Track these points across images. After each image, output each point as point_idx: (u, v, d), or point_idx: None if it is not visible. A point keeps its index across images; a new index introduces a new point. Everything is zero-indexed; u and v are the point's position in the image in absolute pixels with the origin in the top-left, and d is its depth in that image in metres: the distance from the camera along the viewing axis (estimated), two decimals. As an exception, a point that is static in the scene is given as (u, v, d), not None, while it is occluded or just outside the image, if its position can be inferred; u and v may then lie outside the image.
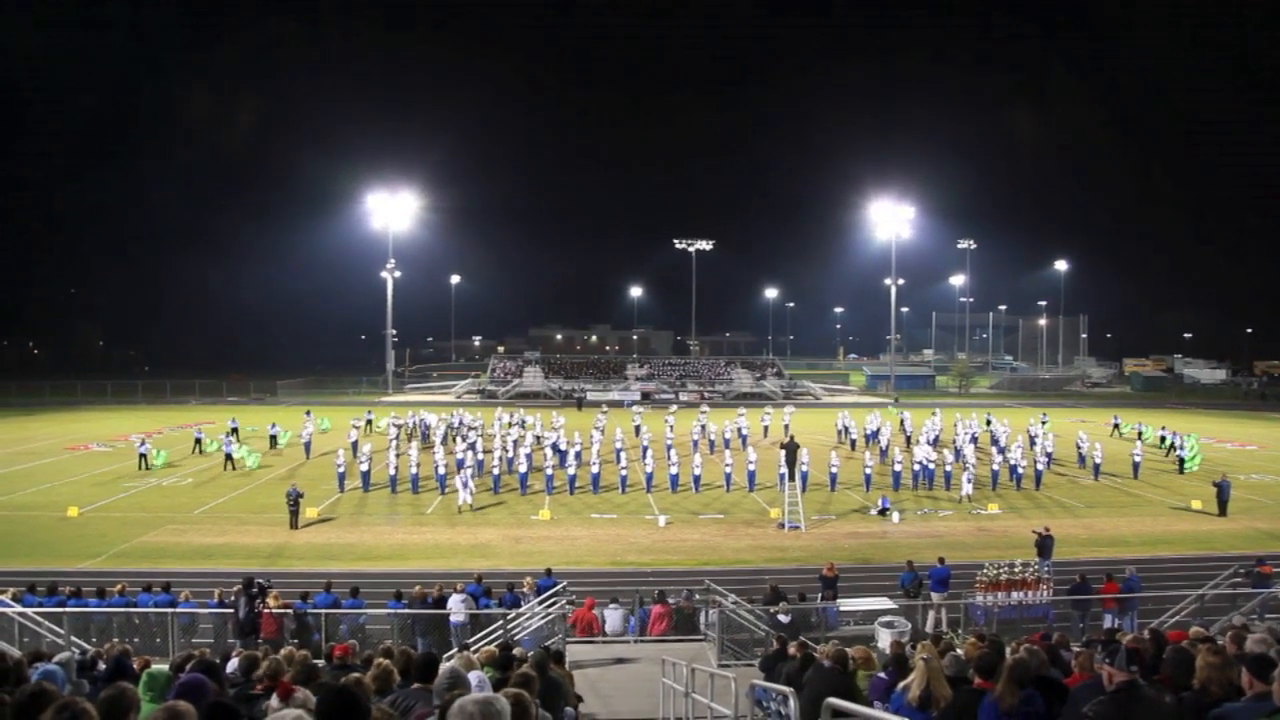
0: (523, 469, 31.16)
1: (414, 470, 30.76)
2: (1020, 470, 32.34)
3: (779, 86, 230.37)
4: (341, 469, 30.68)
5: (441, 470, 31.25)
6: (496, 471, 30.90)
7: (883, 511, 27.16)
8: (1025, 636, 11.57)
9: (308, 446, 38.10)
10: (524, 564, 20.88)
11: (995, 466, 32.40)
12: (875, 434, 40.41)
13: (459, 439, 37.86)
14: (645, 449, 35.28)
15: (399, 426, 41.01)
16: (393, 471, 32.62)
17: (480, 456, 33.11)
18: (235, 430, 39.44)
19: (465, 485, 27.79)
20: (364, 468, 30.95)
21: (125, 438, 42.15)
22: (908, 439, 41.08)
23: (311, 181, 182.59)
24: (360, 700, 4.27)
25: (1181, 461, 35.94)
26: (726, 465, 32.27)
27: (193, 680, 5.18)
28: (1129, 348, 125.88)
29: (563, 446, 34.66)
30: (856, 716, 4.69)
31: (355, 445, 35.59)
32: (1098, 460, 34.07)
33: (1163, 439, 40.43)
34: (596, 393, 71.16)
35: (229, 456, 35.05)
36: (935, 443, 37.39)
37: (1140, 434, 42.39)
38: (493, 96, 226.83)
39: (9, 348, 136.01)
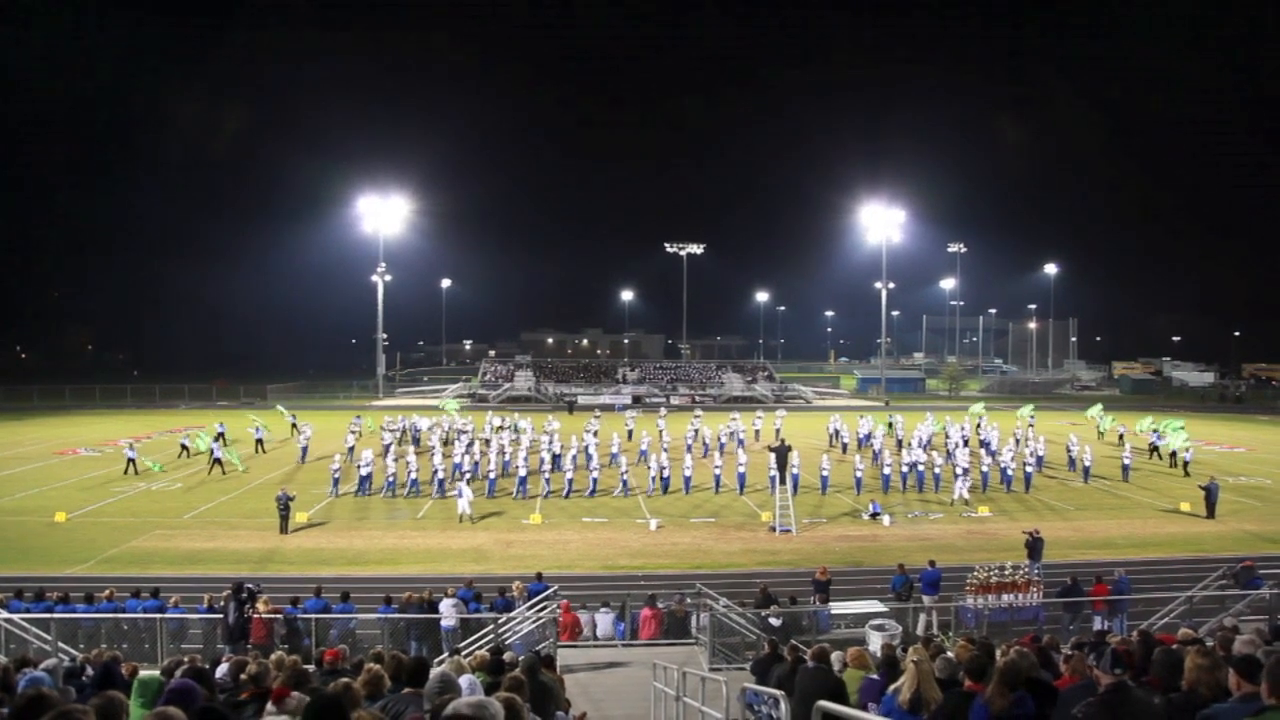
0: (522, 473, 30.95)
1: (413, 475, 30.69)
2: (1010, 473, 32.47)
3: (770, 90, 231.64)
4: (337, 473, 30.61)
5: (441, 475, 31.09)
6: (494, 476, 30.83)
7: (874, 516, 27.22)
8: (1015, 639, 11.60)
9: (304, 451, 37.97)
10: (515, 568, 20.81)
11: (985, 469, 32.52)
12: (867, 437, 40.51)
13: (453, 443, 37.66)
14: (644, 451, 35.16)
15: (392, 432, 40.79)
16: (390, 476, 32.12)
17: (477, 459, 33.06)
18: (222, 435, 39.24)
19: (462, 495, 27.36)
20: (364, 472, 30.84)
21: (114, 442, 41.92)
22: (899, 442, 41.17)
23: (302, 185, 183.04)
24: (345, 709, 4.26)
25: (1185, 464, 35.90)
26: (716, 467, 32.33)
27: (182, 686, 5.16)
28: (1118, 351, 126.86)
29: (557, 450, 34.56)
30: (847, 719, 4.70)
31: (352, 450, 35.48)
32: (1087, 463, 34.22)
33: (1153, 447, 40.36)
34: (588, 396, 71.12)
35: (217, 461, 34.87)
36: (927, 445, 37.48)
37: (1121, 437, 42.73)
38: (483, 100, 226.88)
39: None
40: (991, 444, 37.80)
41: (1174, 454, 37.80)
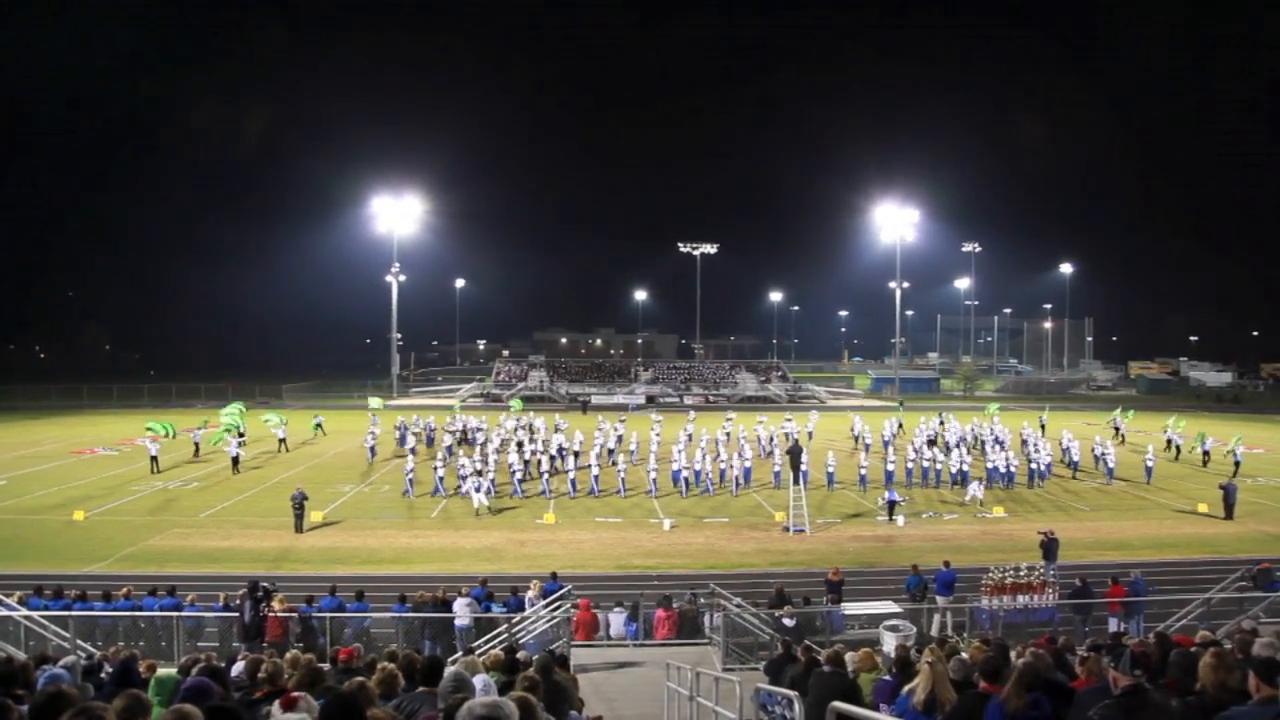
0: (571, 470, 30.82)
1: (491, 475, 30.50)
2: (1013, 471, 32.58)
3: (784, 89, 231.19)
4: (411, 474, 30.74)
5: (519, 474, 30.97)
6: (547, 473, 31.27)
7: (891, 504, 26.98)
8: (1031, 640, 11.54)
9: (373, 450, 38.05)
10: (529, 568, 20.84)
11: (991, 464, 32.71)
12: (892, 438, 40.50)
13: (511, 442, 37.33)
14: (702, 450, 34.81)
15: (452, 433, 40.70)
16: (466, 475, 30.86)
17: (512, 458, 33.11)
18: (242, 433, 39.48)
19: (479, 489, 27.77)
20: (441, 473, 31.00)
21: (131, 441, 42.22)
22: (927, 441, 40.77)
23: (316, 185, 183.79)
24: (361, 708, 4.27)
25: (1237, 462, 35.20)
26: (722, 462, 32.45)
27: (197, 684, 5.20)
28: (1134, 350, 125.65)
29: (612, 446, 34.49)
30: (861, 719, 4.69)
31: (414, 452, 35.71)
32: (1110, 464, 34.03)
33: (1169, 442, 40.04)
34: (601, 396, 71.18)
35: (235, 460, 35.01)
36: (959, 444, 37.37)
37: (1124, 437, 42.46)
38: (497, 100, 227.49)
39: (16, 351, 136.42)
40: (1030, 442, 37.41)
41: (1207, 453, 37.58)
